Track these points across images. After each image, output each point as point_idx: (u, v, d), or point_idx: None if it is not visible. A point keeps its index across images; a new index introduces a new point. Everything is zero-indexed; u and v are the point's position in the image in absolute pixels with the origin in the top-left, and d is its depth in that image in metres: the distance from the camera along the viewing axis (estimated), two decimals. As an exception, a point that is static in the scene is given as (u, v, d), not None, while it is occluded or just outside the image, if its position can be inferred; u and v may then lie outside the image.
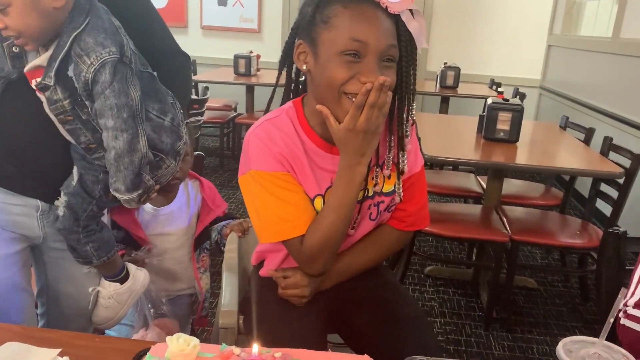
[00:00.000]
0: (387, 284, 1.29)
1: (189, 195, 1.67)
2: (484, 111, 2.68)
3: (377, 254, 1.25)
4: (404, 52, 1.04)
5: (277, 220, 1.11)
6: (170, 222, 1.62)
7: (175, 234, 1.63)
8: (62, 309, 1.38)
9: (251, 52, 4.77)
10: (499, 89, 3.30)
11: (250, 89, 4.79)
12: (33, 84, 1.11)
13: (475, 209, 2.77)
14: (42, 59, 1.09)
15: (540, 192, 3.05)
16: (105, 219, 1.45)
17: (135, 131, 1.12)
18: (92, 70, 1.06)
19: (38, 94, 1.12)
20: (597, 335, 0.83)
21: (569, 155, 2.68)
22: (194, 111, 3.09)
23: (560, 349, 0.82)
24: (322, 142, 1.12)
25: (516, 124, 2.54)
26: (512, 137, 2.56)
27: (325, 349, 1.17)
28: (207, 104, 3.63)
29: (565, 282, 2.97)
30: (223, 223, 1.65)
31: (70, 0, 1.07)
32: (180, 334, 0.81)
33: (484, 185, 2.91)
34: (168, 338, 0.79)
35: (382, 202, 1.19)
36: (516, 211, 2.67)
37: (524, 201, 2.86)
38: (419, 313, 1.24)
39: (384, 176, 1.17)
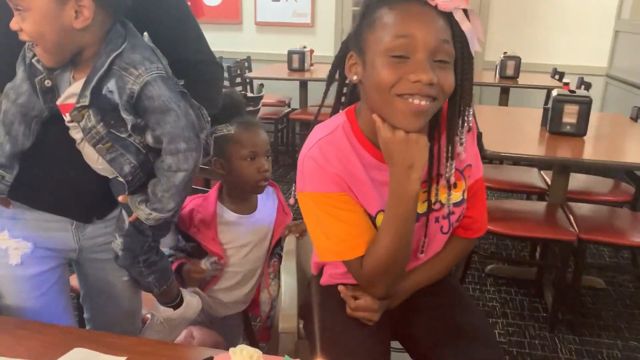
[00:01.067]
0: (449, 288, 1.25)
1: (266, 200, 1.62)
2: (546, 103, 2.56)
3: (446, 265, 1.22)
4: (459, 53, 0.97)
5: (335, 241, 1.08)
6: (254, 231, 1.56)
7: (256, 243, 1.57)
8: (107, 315, 1.38)
9: (304, 47, 4.75)
10: (563, 79, 3.15)
11: (303, 84, 4.78)
12: (67, 118, 1.06)
13: (539, 206, 2.65)
14: (76, 86, 1.05)
15: (609, 188, 2.89)
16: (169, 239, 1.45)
17: (200, 149, 1.09)
18: (141, 81, 1.01)
19: (72, 129, 1.08)
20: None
21: (642, 149, 2.52)
22: (250, 109, 3.11)
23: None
24: (381, 154, 1.05)
25: (584, 117, 2.42)
26: (580, 130, 2.43)
27: (388, 357, 1.14)
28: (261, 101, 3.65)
29: (636, 283, 2.81)
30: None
31: (98, 26, 1.02)
32: (243, 346, 0.80)
33: (548, 181, 2.79)
34: (231, 350, 0.79)
35: (453, 213, 1.15)
36: (583, 208, 2.54)
37: (591, 197, 2.73)
38: (481, 321, 1.19)
39: (450, 185, 1.12)
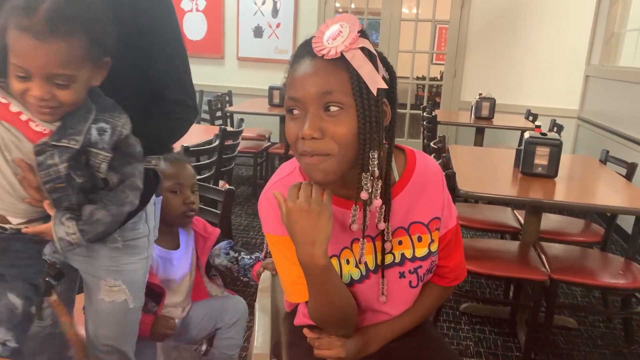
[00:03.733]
0: (430, 340, 1.25)
1: (187, 237, 1.70)
2: (520, 144, 2.63)
3: (422, 313, 1.22)
4: (357, 95, 0.92)
5: (291, 282, 1.10)
6: (180, 264, 1.63)
7: (186, 276, 1.64)
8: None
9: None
10: (537, 123, 3.25)
11: (283, 120, 4.80)
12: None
13: (512, 245, 2.69)
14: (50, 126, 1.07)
15: (580, 228, 2.95)
16: None
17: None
18: (129, 127, 1.09)
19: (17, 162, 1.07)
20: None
21: (611, 192, 2.59)
22: (229, 143, 3.12)
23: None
24: (336, 198, 1.05)
25: (554, 159, 2.49)
26: (551, 172, 2.50)
27: None
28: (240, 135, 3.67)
29: (607, 323, 2.85)
30: (221, 244, 1.70)
31: None
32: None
33: (521, 220, 2.84)
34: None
35: (420, 267, 1.14)
36: (555, 248, 2.59)
37: (563, 237, 2.78)
38: (438, 336, 1.23)
39: (411, 240, 1.11)
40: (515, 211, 3.08)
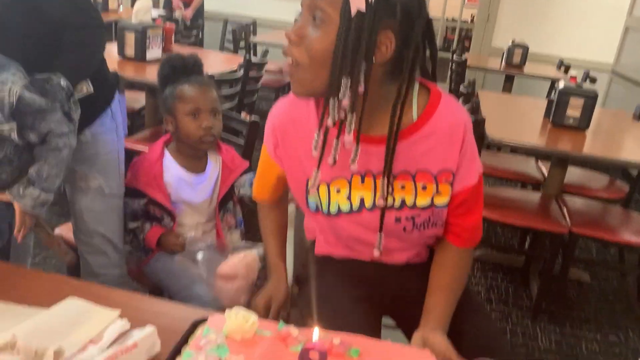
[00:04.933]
0: (470, 302, 1.19)
1: (215, 162, 1.68)
2: (549, 94, 2.55)
3: (452, 275, 1.13)
4: (342, 13, 0.88)
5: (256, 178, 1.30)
6: (201, 190, 1.63)
7: (205, 201, 1.64)
8: None
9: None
10: (571, 73, 3.13)
11: (308, 54, 4.71)
12: None
13: (533, 196, 2.66)
14: None
15: (604, 184, 2.90)
16: None
17: (75, 129, 1.27)
18: (19, 84, 1.12)
19: None
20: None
21: (640, 148, 2.53)
22: (253, 74, 3.06)
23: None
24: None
25: (587, 111, 2.41)
26: (582, 124, 2.43)
27: (379, 332, 1.15)
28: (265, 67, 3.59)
29: (621, 280, 2.85)
30: (247, 177, 1.66)
31: None
32: (240, 308, 0.80)
33: (545, 172, 2.79)
34: (227, 312, 0.78)
35: (418, 215, 1.07)
36: (577, 202, 2.55)
37: (586, 192, 2.73)
38: (478, 300, 1.21)
39: (415, 187, 1.05)
40: (539, 162, 3.03)
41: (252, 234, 2.64)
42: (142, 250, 1.60)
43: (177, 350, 0.79)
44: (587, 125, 2.44)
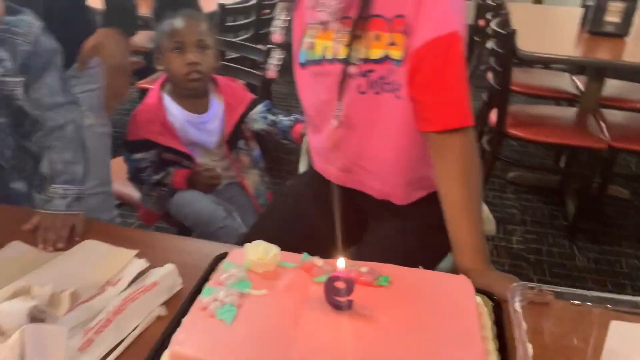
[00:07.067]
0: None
1: (218, 101, 1.58)
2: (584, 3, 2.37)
3: (457, 178, 0.93)
4: None
5: None
6: (210, 128, 1.55)
7: (215, 142, 1.56)
8: None
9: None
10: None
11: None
12: None
13: (569, 112, 2.53)
14: None
15: (645, 95, 2.74)
16: None
17: (77, 101, 1.13)
18: (32, 39, 1.00)
19: None
20: None
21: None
22: (267, 1, 2.93)
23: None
24: None
25: (628, 15, 2.23)
26: (622, 30, 2.26)
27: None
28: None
29: (663, 194, 2.74)
30: (258, 108, 1.57)
31: None
32: (260, 241, 0.75)
33: (580, 86, 2.64)
34: (247, 245, 0.74)
35: (373, 70, 0.94)
36: (616, 115, 2.41)
37: (625, 104, 2.58)
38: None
39: (371, 36, 0.93)
40: (573, 77, 2.87)
41: (275, 171, 2.62)
42: (170, 196, 1.56)
43: (199, 287, 0.76)
44: (628, 32, 2.26)
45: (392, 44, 0.92)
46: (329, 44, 0.98)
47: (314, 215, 1.11)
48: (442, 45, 0.89)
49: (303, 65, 1.04)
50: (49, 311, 0.69)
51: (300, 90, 1.11)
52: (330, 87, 0.99)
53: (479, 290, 0.75)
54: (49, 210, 0.95)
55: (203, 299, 0.67)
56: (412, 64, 0.91)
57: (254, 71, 1.84)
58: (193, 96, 1.53)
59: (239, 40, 2.40)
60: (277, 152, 2.73)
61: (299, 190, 1.23)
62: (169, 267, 0.79)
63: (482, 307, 0.74)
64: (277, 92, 3.85)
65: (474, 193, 0.93)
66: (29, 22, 1.00)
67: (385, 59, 0.93)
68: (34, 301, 0.67)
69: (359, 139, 1.03)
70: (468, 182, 0.92)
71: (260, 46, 1.94)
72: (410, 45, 0.91)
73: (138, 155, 1.50)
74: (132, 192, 1.60)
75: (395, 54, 0.92)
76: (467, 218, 0.92)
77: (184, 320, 0.66)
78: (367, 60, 0.94)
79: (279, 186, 2.37)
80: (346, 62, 0.95)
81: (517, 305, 0.66)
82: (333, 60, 0.98)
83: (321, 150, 1.14)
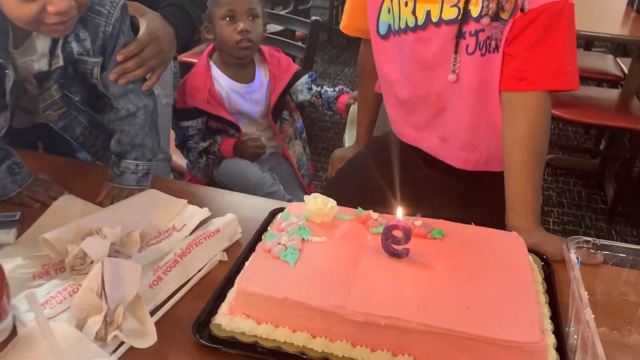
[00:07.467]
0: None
1: (264, 72, 1.60)
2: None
3: (523, 136, 0.95)
4: None
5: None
6: (255, 98, 1.57)
7: (260, 111, 1.59)
8: None
9: None
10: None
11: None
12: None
13: (611, 94, 2.49)
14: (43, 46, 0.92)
15: (692, 78, 2.67)
16: None
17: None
18: (113, 20, 0.93)
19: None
20: None
21: None
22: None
23: None
24: None
25: (679, -5, 2.18)
26: (672, 10, 2.20)
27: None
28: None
29: None
30: (303, 79, 1.60)
31: None
32: (318, 194, 0.79)
33: (624, 68, 2.59)
34: (306, 197, 0.78)
35: (482, 30, 0.94)
36: (661, 98, 2.37)
37: (671, 87, 2.52)
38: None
39: None
40: (617, 59, 2.81)
41: (315, 143, 2.64)
42: (217, 164, 1.60)
43: (259, 236, 0.80)
44: (677, 12, 2.21)
45: (501, 7, 0.93)
46: (434, 6, 0.97)
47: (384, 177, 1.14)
48: (555, 13, 0.91)
49: (403, 31, 1.03)
50: (122, 250, 0.74)
51: (389, 61, 1.11)
52: (436, 51, 0.99)
53: (528, 250, 0.77)
54: (121, 184, 0.97)
55: (267, 242, 0.71)
56: (523, 23, 0.92)
57: (298, 43, 1.87)
58: (240, 66, 1.56)
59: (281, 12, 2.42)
60: (323, 122, 2.75)
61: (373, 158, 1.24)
62: (230, 217, 0.83)
63: (532, 264, 0.76)
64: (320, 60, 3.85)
65: (539, 154, 0.95)
66: (113, 2, 0.95)
67: (497, 18, 0.94)
68: (106, 240, 0.72)
69: (466, 103, 1.02)
70: (534, 143, 0.95)
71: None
72: (522, 4, 0.91)
73: (186, 123, 1.54)
74: (180, 160, 1.65)
75: (504, 14, 0.93)
76: (527, 178, 0.94)
77: (250, 260, 0.69)
78: (478, 19, 0.94)
79: (321, 157, 2.41)
80: (460, 22, 0.95)
81: (572, 256, 0.68)
82: (440, 23, 0.97)
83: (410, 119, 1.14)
